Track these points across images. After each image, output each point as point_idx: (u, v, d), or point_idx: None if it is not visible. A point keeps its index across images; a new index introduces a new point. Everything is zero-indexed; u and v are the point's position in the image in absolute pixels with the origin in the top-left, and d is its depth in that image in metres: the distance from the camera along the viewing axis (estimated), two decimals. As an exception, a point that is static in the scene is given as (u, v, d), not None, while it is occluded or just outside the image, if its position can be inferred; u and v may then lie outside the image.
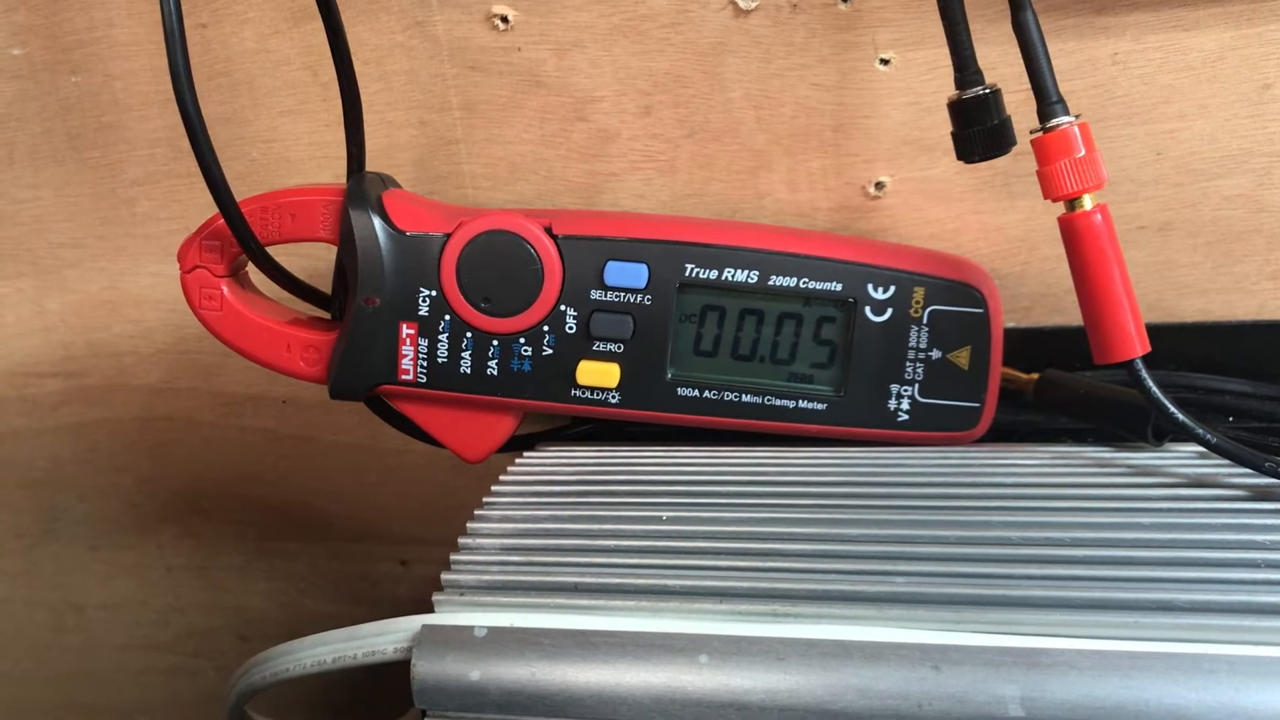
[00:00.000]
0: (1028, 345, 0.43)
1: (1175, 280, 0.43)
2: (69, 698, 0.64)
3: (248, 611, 0.60)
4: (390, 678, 0.32)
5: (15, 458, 0.58)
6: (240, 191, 0.39)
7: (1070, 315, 0.41)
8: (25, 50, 0.48)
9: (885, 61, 0.42)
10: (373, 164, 0.45)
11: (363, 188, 0.40)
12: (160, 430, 0.55)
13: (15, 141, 0.50)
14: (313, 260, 0.47)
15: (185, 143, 0.37)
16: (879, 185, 0.44)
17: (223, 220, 0.39)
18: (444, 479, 0.53)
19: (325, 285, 0.44)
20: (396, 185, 0.42)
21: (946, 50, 0.37)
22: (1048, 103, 0.35)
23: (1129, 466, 0.37)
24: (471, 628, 0.31)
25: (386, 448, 0.53)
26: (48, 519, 0.59)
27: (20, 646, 0.63)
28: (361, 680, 0.59)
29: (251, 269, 0.42)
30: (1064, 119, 0.34)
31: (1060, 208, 0.36)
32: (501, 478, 0.39)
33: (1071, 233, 0.35)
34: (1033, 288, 0.44)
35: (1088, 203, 0.35)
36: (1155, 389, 0.34)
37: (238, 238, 0.39)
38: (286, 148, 0.48)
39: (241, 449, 0.55)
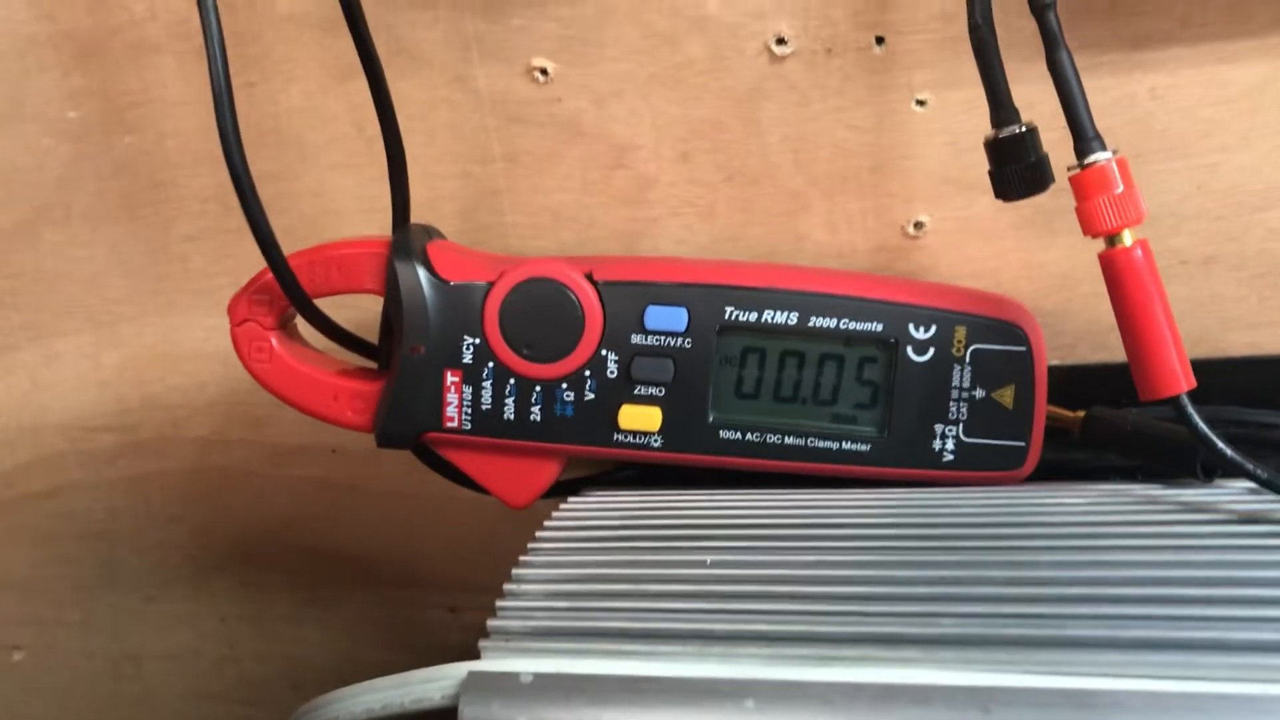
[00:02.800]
0: (1073, 383, 0.43)
1: (1221, 314, 0.43)
2: (127, 748, 0.65)
3: (300, 660, 0.60)
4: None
5: (73, 510, 0.59)
6: (290, 244, 0.40)
7: (1115, 352, 0.40)
8: (80, 113, 0.50)
9: (921, 102, 0.42)
10: (418, 216, 0.46)
11: (407, 239, 0.41)
12: (213, 481, 0.56)
13: (71, 202, 0.52)
14: (360, 311, 0.48)
15: (235, 199, 0.38)
16: (918, 225, 0.44)
17: (271, 275, 0.40)
18: (490, 525, 0.54)
19: (372, 336, 0.45)
20: (441, 236, 0.43)
21: (982, 90, 0.37)
22: (1084, 139, 0.35)
23: (1179, 503, 0.36)
24: (518, 674, 0.31)
25: (433, 495, 0.53)
26: (105, 570, 0.60)
27: (79, 698, 0.64)
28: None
29: (300, 321, 0.43)
30: (1101, 155, 0.34)
31: (1100, 244, 0.35)
32: (546, 523, 0.39)
33: (1112, 269, 0.35)
34: (1076, 324, 0.44)
35: (1128, 238, 0.34)
36: (1202, 425, 0.34)
37: (286, 291, 0.40)
38: (334, 201, 0.49)
39: (292, 498, 0.56)
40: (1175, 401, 0.34)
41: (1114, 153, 0.35)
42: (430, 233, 0.43)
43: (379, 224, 0.49)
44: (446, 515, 0.54)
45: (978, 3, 0.36)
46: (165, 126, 0.50)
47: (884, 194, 0.44)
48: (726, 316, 0.40)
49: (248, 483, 0.56)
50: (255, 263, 0.40)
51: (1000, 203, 0.41)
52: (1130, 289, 0.34)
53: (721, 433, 0.41)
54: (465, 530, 0.54)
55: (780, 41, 0.42)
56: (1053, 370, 0.41)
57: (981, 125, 0.37)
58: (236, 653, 0.61)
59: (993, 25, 0.36)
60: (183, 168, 0.50)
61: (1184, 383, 0.34)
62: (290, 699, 0.61)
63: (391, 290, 0.40)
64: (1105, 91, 0.41)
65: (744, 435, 0.41)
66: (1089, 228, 0.35)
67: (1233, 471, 0.35)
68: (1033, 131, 0.36)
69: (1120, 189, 0.34)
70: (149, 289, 0.53)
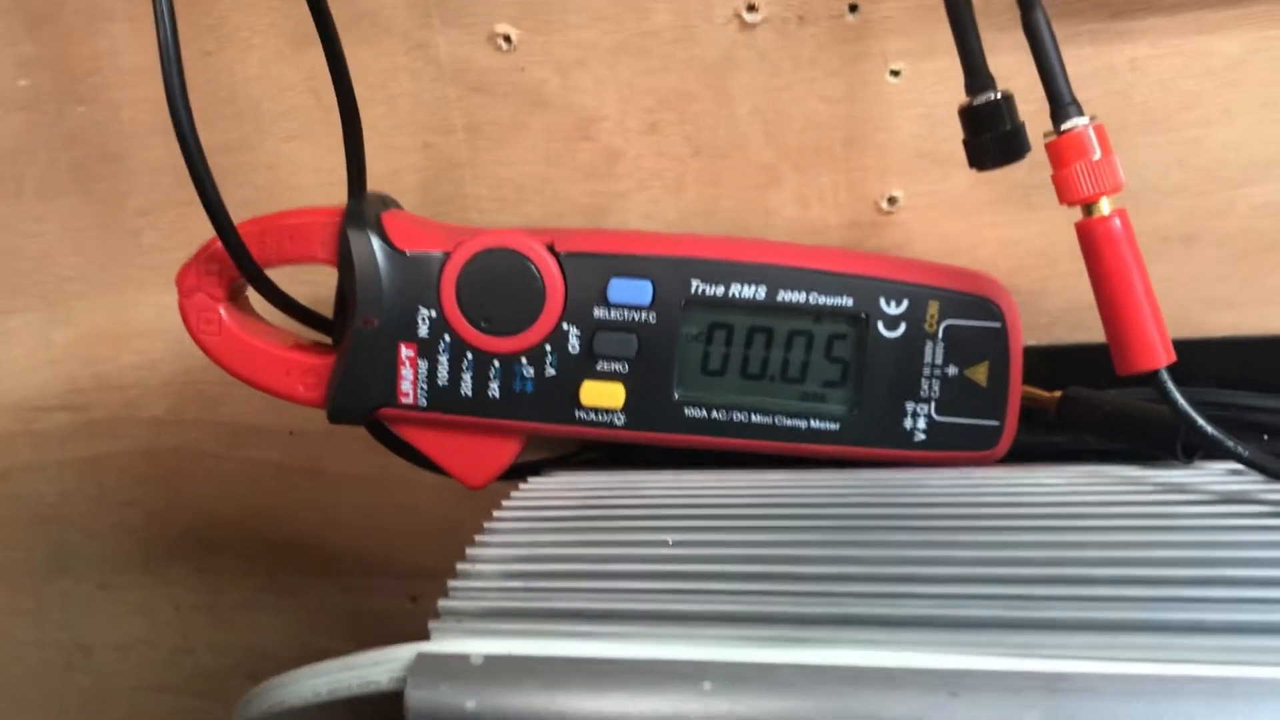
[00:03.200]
0: (1050, 364, 0.42)
1: (1202, 294, 0.42)
2: (79, 741, 0.63)
3: (257, 650, 0.59)
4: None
5: (23, 493, 0.57)
6: (245, 218, 0.39)
7: (1094, 332, 0.39)
8: (31, 81, 0.48)
9: (895, 73, 0.41)
10: (376, 188, 0.44)
11: (361, 208, 0.39)
12: (167, 463, 0.55)
13: (24, 175, 0.50)
14: (316, 287, 0.47)
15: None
16: (892, 200, 0.43)
17: (220, 243, 0.39)
18: (453, 510, 0.52)
19: (328, 311, 0.44)
20: (398, 206, 0.42)
21: (958, 60, 0.36)
22: (1061, 105, 0.33)
23: (1158, 484, 0.35)
24: (468, 655, 0.30)
25: (393, 479, 0.52)
26: (56, 556, 0.59)
27: (30, 689, 0.63)
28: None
29: (253, 295, 0.42)
30: (1079, 120, 0.33)
31: (1078, 216, 0.34)
32: (504, 503, 0.38)
33: (1090, 239, 0.34)
34: (1054, 304, 0.43)
35: (1105, 207, 0.33)
36: (1181, 400, 0.33)
37: (235, 260, 0.39)
38: (290, 174, 0.48)
39: (248, 482, 0.54)
40: (1154, 376, 0.33)
41: (1091, 119, 0.33)
42: (386, 202, 0.41)
43: (337, 197, 0.47)
44: (407, 500, 0.53)
45: (952, -36, 0.35)
46: (119, 96, 0.48)
47: (857, 168, 0.43)
48: (692, 290, 0.38)
49: (203, 465, 0.54)
50: (210, 236, 0.39)
51: (976, 178, 0.40)
52: (1108, 259, 0.33)
53: (687, 410, 0.39)
54: (427, 515, 0.53)
55: (751, 9, 0.41)
56: (1029, 351, 0.40)
57: (957, 97, 0.37)
58: (191, 643, 0.59)
59: (968, -12, 0.35)
60: (136, 139, 0.49)
61: (1163, 357, 0.33)
62: (247, 691, 0.59)
63: (344, 260, 0.39)
64: (1084, 62, 0.39)
65: (710, 413, 0.39)
66: (1065, 195, 0.34)
67: (1214, 450, 0.34)
68: (1008, 99, 0.35)
69: (1098, 155, 0.33)
70: (101, 265, 0.51)
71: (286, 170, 0.47)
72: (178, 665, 0.60)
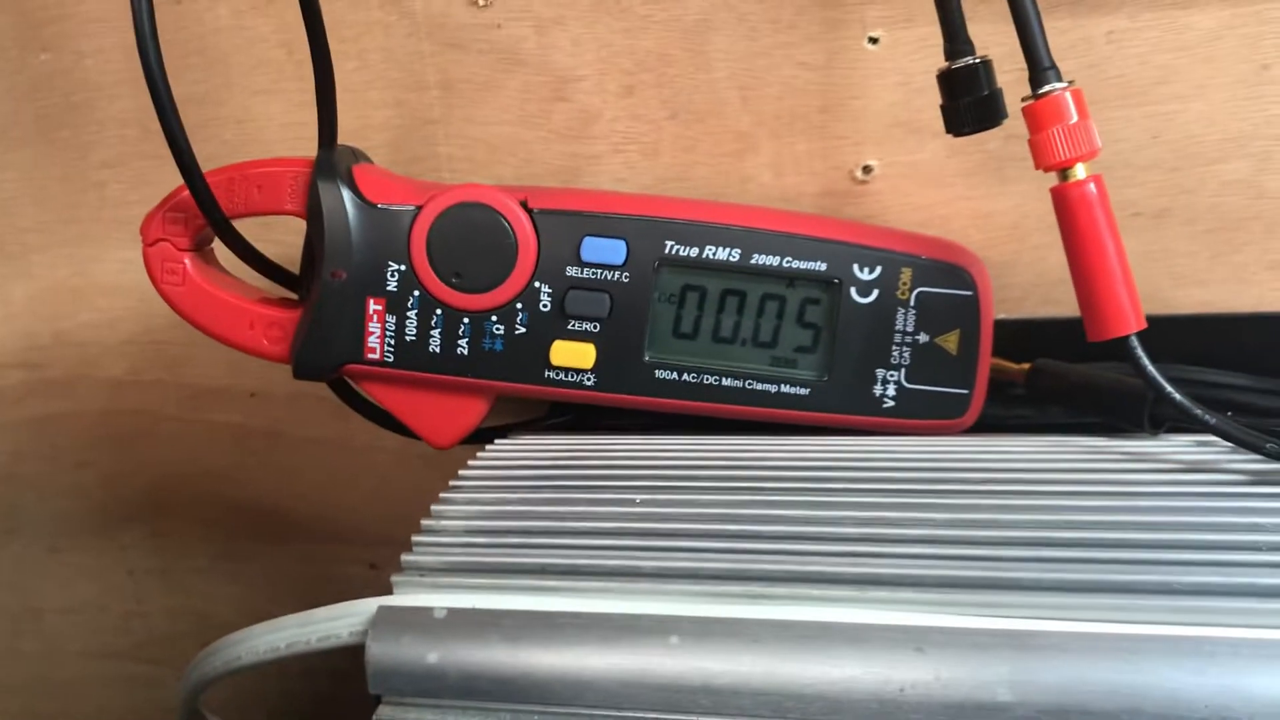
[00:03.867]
0: (1020, 337, 0.42)
1: (1172, 270, 0.42)
2: (27, 707, 0.62)
3: (211, 617, 0.58)
4: (356, 682, 0.31)
5: (-26, 452, 0.56)
6: (212, 170, 0.38)
7: (1064, 306, 0.39)
8: (-6, 26, 0.47)
9: (874, 40, 0.41)
10: (346, 143, 0.44)
11: (332, 159, 0.39)
12: (124, 424, 0.54)
13: (-16, 123, 0.49)
14: (285, 246, 0.46)
15: (156, 123, 0.36)
16: (867, 169, 0.43)
17: (187, 192, 0.38)
18: (416, 478, 0.52)
19: (295, 267, 0.43)
20: (368, 160, 0.41)
21: (937, 28, 0.36)
22: (1040, 69, 0.34)
23: (1125, 453, 0.35)
24: (431, 609, 0.30)
25: (357, 444, 0.52)
26: (7, 518, 0.57)
27: (-25, 654, 0.61)
28: (326, 690, 0.57)
29: (219, 249, 0.41)
30: (1056, 85, 0.33)
31: (1051, 188, 0.34)
32: (470, 462, 0.38)
33: (1064, 203, 0.34)
34: (1025, 277, 0.43)
35: (1081, 172, 0.33)
36: (1150, 366, 0.33)
37: (202, 208, 0.38)
38: (260, 128, 0.47)
39: (208, 444, 0.54)
40: (1125, 342, 0.33)
41: (1069, 83, 0.33)
42: (357, 155, 0.41)
43: (306, 152, 0.46)
44: (370, 465, 0.52)
45: (934, -72, 0.34)
46: (84, 45, 0.47)
47: (833, 136, 0.43)
48: (666, 251, 0.38)
49: (161, 426, 0.54)
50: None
51: (951, 149, 0.40)
52: (1083, 224, 0.33)
53: (657, 373, 0.39)
54: (388, 482, 0.53)
55: (731, -29, 0.41)
56: (1000, 324, 0.40)
57: (935, 66, 0.37)
58: (144, 608, 0.58)
59: (949, -47, 0.35)
60: (102, 89, 0.48)
61: (1134, 322, 0.33)
62: (200, 658, 0.59)
63: (313, 211, 0.38)
64: (1062, 34, 0.40)
65: (680, 376, 0.39)
66: (1041, 160, 0.34)
67: (1181, 420, 0.34)
68: (986, 64, 0.35)
69: (1075, 119, 0.33)
70: (62, 218, 0.50)
71: (255, 125, 0.47)
72: (129, 630, 0.59)
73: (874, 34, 0.41)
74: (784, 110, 0.43)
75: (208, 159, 0.38)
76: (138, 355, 0.52)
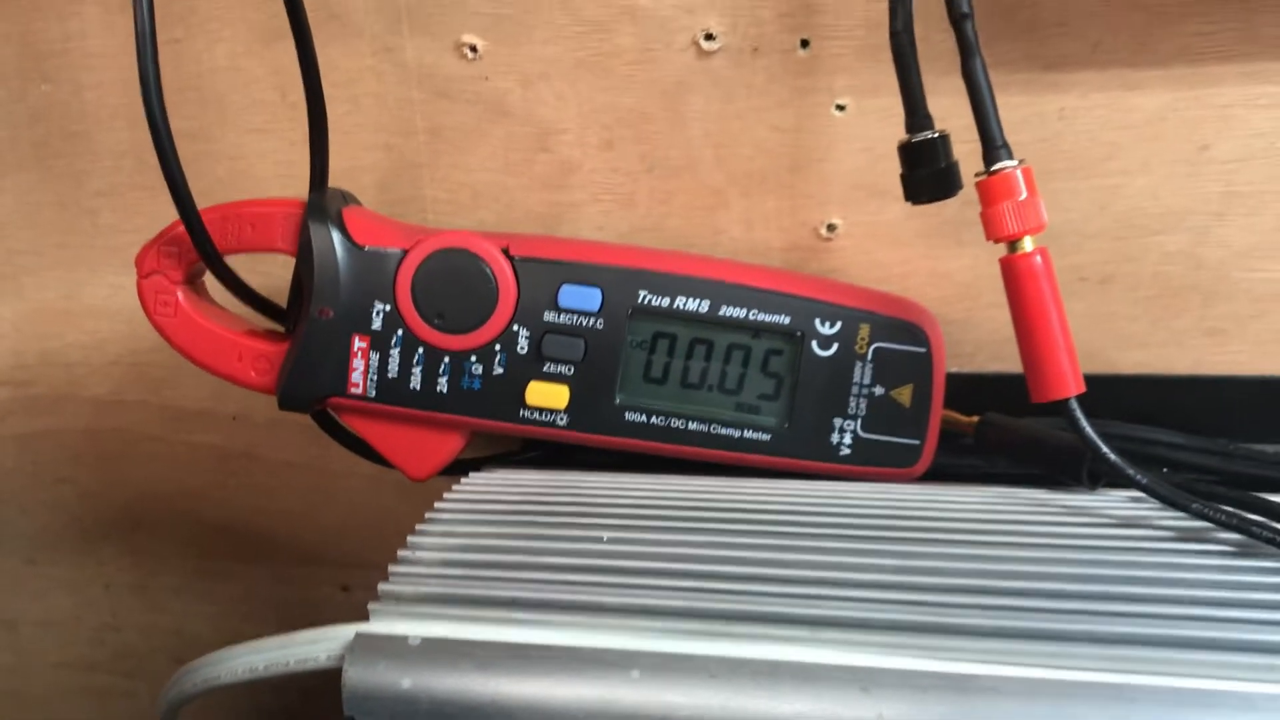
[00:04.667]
0: (970, 390, 0.44)
1: (1115, 333, 0.44)
2: (1, 717, 0.63)
3: (185, 634, 0.59)
4: (326, 698, 0.32)
5: (-42, 466, 0.57)
6: (204, 207, 0.40)
7: (1012, 363, 0.41)
8: (-3, 57, 0.49)
9: (841, 107, 0.43)
10: (336, 185, 0.45)
11: (323, 202, 0.40)
12: (107, 443, 0.55)
13: (-17, 148, 0.51)
14: (272, 279, 0.48)
15: (151, 156, 0.37)
16: (831, 227, 0.45)
17: (182, 227, 0.39)
18: (389, 503, 0.53)
19: (283, 301, 0.44)
20: (357, 202, 0.43)
21: (900, 99, 0.38)
22: (993, 147, 0.36)
23: (1064, 507, 0.37)
24: (406, 637, 0.31)
25: (333, 470, 0.53)
26: (-13, 531, 0.59)
27: (-50, 663, 0.62)
28: (297, 706, 0.58)
29: (209, 281, 0.43)
30: (1008, 163, 0.35)
31: (1003, 251, 0.36)
32: (446, 495, 0.39)
33: (1012, 273, 0.36)
34: (977, 334, 0.45)
35: (1028, 244, 0.36)
36: (1088, 428, 0.35)
37: (196, 244, 0.39)
38: (251, 165, 0.48)
39: (188, 465, 0.55)
40: (1065, 404, 0.35)
41: (1020, 162, 0.36)
42: (346, 197, 0.42)
43: (297, 192, 0.48)
44: (345, 490, 0.54)
45: (899, 10, 0.37)
46: (84, 78, 0.49)
47: (800, 195, 0.45)
48: (639, 300, 0.40)
49: (143, 446, 0.55)
50: (167, 221, 0.40)
51: (911, 211, 0.42)
52: (1028, 293, 0.35)
53: (627, 415, 0.41)
54: (363, 507, 0.54)
55: (709, 37, 0.43)
56: (952, 377, 0.42)
57: (896, 134, 0.39)
58: (119, 622, 0.59)
59: (912, 33, 0.37)
60: (99, 121, 0.49)
61: (1074, 387, 0.35)
62: (173, 673, 0.59)
63: (304, 251, 0.40)
64: (1016, 109, 0.42)
65: (649, 419, 0.41)
66: (992, 232, 0.36)
67: (1116, 477, 0.36)
68: (944, 138, 0.37)
69: (1024, 196, 0.35)
70: (55, 242, 0.52)
71: (247, 162, 0.48)
72: (103, 644, 0.60)
73: (841, 101, 0.43)
74: (755, 169, 0.45)
75: (200, 194, 0.40)
76: (122, 376, 0.53)
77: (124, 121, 0.49)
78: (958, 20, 0.36)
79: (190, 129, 0.48)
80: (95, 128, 0.49)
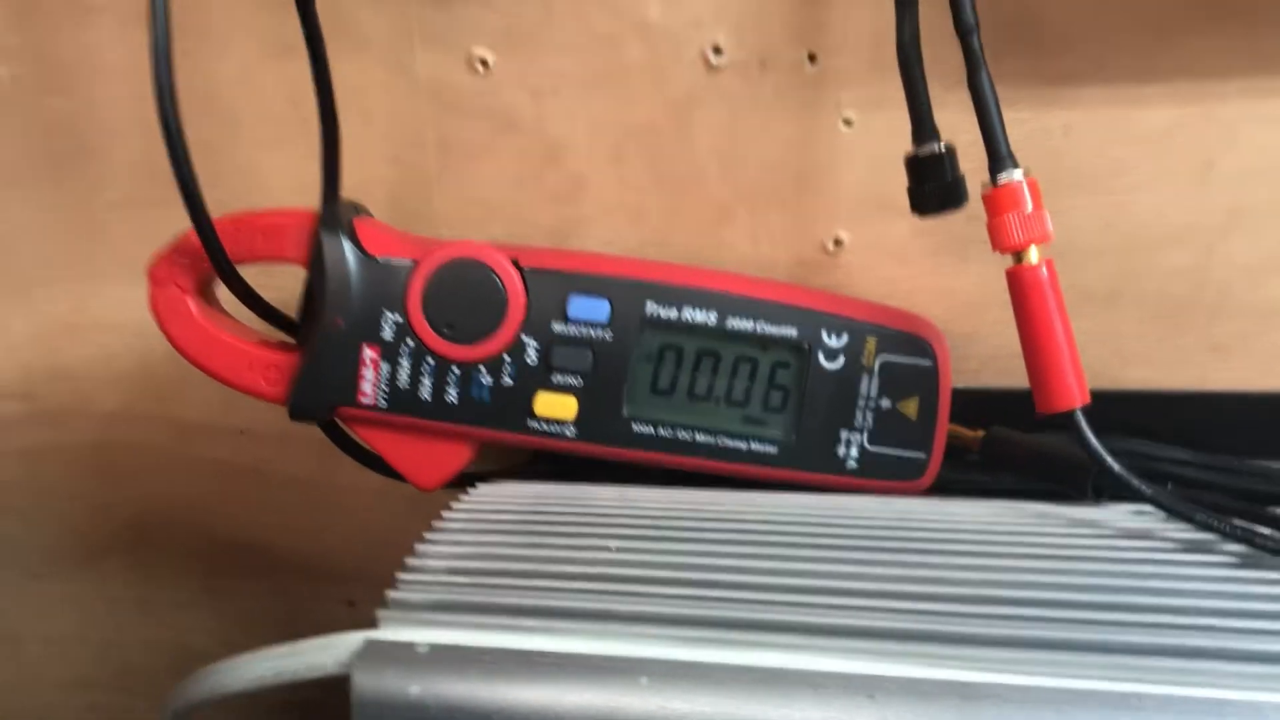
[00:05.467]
0: (976, 405, 0.44)
1: (1121, 350, 0.45)
2: (0, 734, 0.63)
3: (189, 650, 0.59)
4: (327, 713, 0.32)
5: (-35, 479, 0.57)
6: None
7: (1017, 378, 0.42)
8: (12, 70, 0.49)
9: (848, 122, 0.44)
10: (347, 197, 0.46)
11: (335, 212, 0.41)
12: (114, 456, 0.55)
13: (-2, 161, 0.51)
14: (284, 293, 0.48)
15: (164, 169, 0.37)
16: (838, 242, 0.45)
17: (195, 237, 0.40)
18: (395, 520, 0.53)
19: (293, 312, 0.45)
20: (369, 214, 0.43)
21: (907, 114, 0.38)
22: (999, 159, 0.36)
23: (1068, 519, 0.38)
24: (414, 644, 0.31)
25: (339, 483, 0.53)
26: (-8, 544, 0.59)
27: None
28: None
29: (221, 291, 0.43)
30: (1014, 174, 0.36)
31: (1009, 266, 0.37)
32: (453, 504, 0.39)
33: (1017, 285, 0.36)
34: (982, 350, 0.45)
35: (1034, 255, 0.36)
36: (1093, 439, 0.35)
37: (208, 253, 0.40)
38: (264, 178, 0.49)
39: (194, 479, 0.55)
40: (1069, 416, 0.35)
41: (1026, 172, 0.36)
42: (358, 208, 0.43)
43: (308, 204, 0.48)
44: (351, 505, 0.54)
45: (906, 24, 0.37)
46: (98, 92, 0.49)
47: (806, 209, 0.45)
48: (648, 311, 0.40)
49: (149, 460, 0.55)
50: (183, 230, 0.40)
51: (917, 228, 0.42)
52: (1034, 304, 0.36)
53: (635, 426, 0.41)
54: (368, 523, 0.54)
55: (717, 51, 0.44)
56: (957, 392, 0.42)
57: (903, 148, 0.39)
58: (122, 638, 0.59)
59: (919, 46, 0.37)
60: (114, 134, 0.50)
61: (1079, 398, 0.36)
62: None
63: (315, 261, 0.40)
64: (1022, 124, 0.42)
65: (656, 430, 0.41)
66: (998, 243, 0.36)
67: (1121, 490, 0.36)
68: (951, 151, 0.38)
69: (1029, 208, 0.36)
70: (66, 255, 0.52)
71: (259, 175, 0.49)
72: (107, 660, 0.60)
73: (848, 116, 0.44)
74: (762, 184, 0.45)
75: (213, 204, 0.40)
76: (131, 391, 0.54)
77: (138, 135, 0.49)
78: (964, 33, 0.36)
79: (201, 141, 0.47)
80: (109, 141, 0.50)
